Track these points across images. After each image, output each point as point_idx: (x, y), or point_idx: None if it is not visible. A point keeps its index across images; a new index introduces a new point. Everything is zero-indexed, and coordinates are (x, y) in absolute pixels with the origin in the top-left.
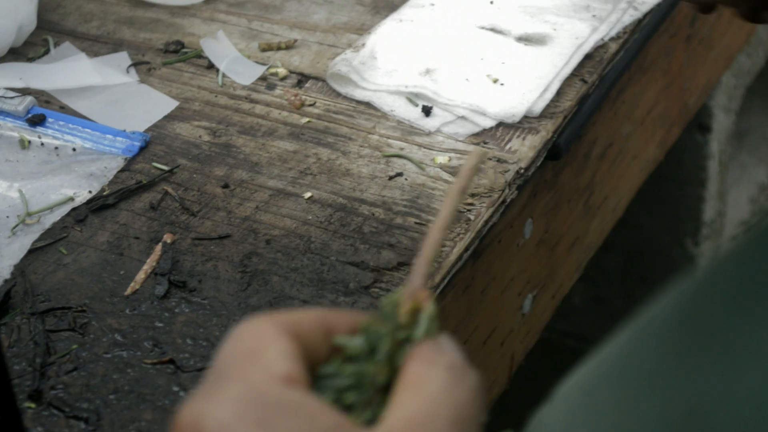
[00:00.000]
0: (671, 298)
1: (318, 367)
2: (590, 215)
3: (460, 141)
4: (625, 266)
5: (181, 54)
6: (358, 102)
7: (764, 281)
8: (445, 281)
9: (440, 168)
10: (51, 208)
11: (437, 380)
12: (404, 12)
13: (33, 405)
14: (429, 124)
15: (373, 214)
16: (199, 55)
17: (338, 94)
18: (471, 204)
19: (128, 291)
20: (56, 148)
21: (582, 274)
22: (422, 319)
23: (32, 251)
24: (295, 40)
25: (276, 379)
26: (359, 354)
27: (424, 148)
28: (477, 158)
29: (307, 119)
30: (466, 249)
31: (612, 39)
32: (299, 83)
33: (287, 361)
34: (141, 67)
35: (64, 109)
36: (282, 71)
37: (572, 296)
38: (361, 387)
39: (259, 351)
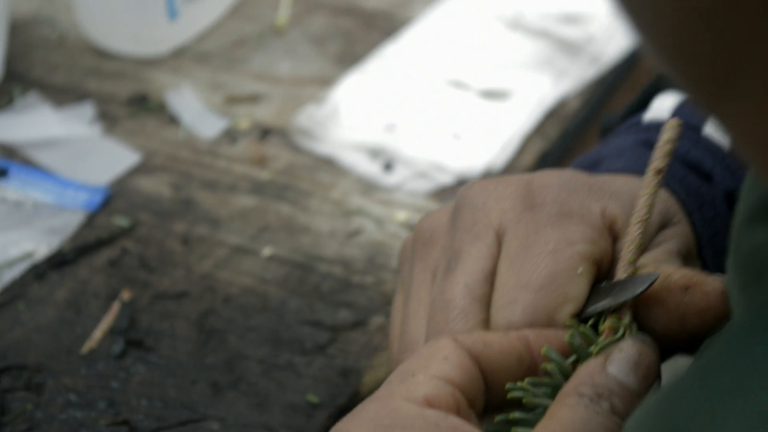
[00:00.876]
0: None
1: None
2: None
3: (420, 198)
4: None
5: (145, 106)
6: (320, 157)
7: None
8: None
9: (399, 225)
10: (10, 264)
11: (570, 411)
12: (368, 66)
13: None
14: (390, 180)
15: (332, 273)
16: (163, 108)
17: (301, 149)
18: None
19: (85, 349)
20: (17, 202)
21: None
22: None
23: None
24: (260, 94)
25: (414, 399)
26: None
27: (385, 204)
28: (672, 132)
29: (268, 174)
30: None
31: (574, 94)
32: (263, 136)
33: (435, 382)
34: (105, 119)
35: (27, 161)
36: (245, 124)
37: None
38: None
39: (416, 371)
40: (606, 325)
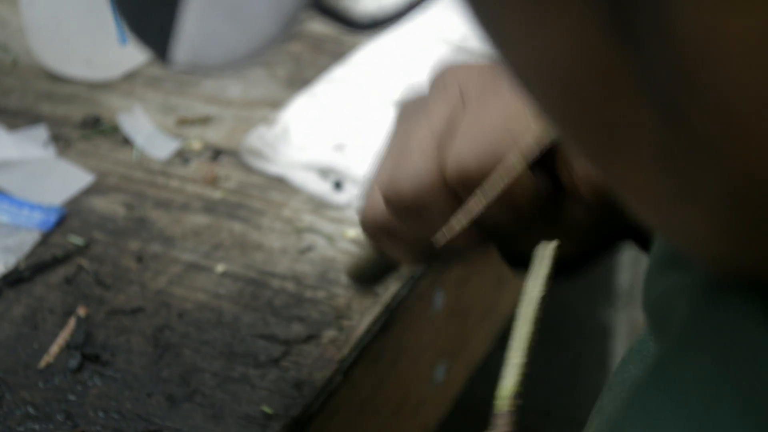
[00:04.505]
0: None
1: None
2: (502, 286)
3: None
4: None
5: (98, 128)
6: (271, 176)
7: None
8: (354, 354)
9: (350, 242)
10: None
11: None
12: (317, 88)
13: None
14: (340, 198)
15: (284, 288)
16: (116, 130)
17: (252, 169)
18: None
19: (42, 364)
20: None
21: (499, 343)
22: None
23: None
24: (211, 116)
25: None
26: None
27: (335, 222)
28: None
29: (221, 194)
30: (375, 322)
31: None
32: (214, 157)
33: None
34: (58, 141)
35: None
36: (197, 146)
37: (490, 363)
38: None
39: None
40: None
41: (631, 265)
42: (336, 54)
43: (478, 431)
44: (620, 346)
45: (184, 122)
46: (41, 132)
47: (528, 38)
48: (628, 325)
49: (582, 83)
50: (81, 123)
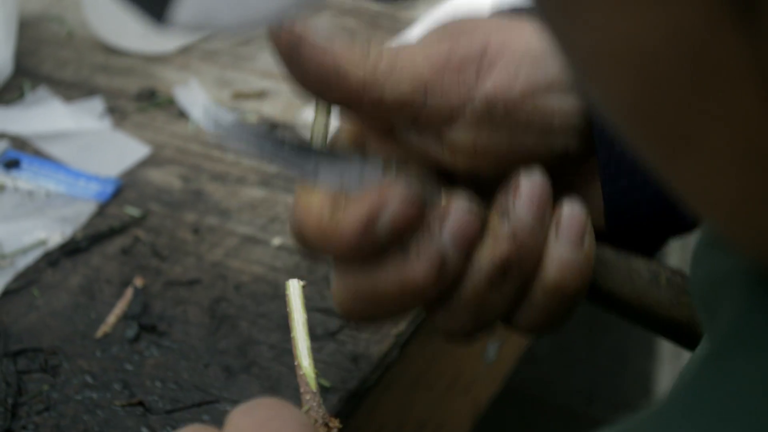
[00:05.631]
0: None
1: None
2: None
3: None
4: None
5: (154, 101)
6: None
7: None
8: (410, 329)
9: None
10: (24, 251)
11: None
12: None
13: None
14: None
15: None
16: (172, 103)
17: None
18: None
19: (99, 334)
20: (30, 192)
21: None
22: None
23: (5, 293)
24: (267, 90)
25: None
26: None
27: None
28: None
29: (276, 167)
30: None
31: None
32: (270, 131)
33: None
34: (114, 113)
35: (38, 153)
36: (253, 119)
37: (536, 347)
38: None
39: None
40: None
41: (680, 249)
42: (391, 30)
43: (524, 412)
44: None
45: (239, 96)
46: (97, 104)
47: (611, 20)
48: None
49: (673, 72)
50: (136, 96)
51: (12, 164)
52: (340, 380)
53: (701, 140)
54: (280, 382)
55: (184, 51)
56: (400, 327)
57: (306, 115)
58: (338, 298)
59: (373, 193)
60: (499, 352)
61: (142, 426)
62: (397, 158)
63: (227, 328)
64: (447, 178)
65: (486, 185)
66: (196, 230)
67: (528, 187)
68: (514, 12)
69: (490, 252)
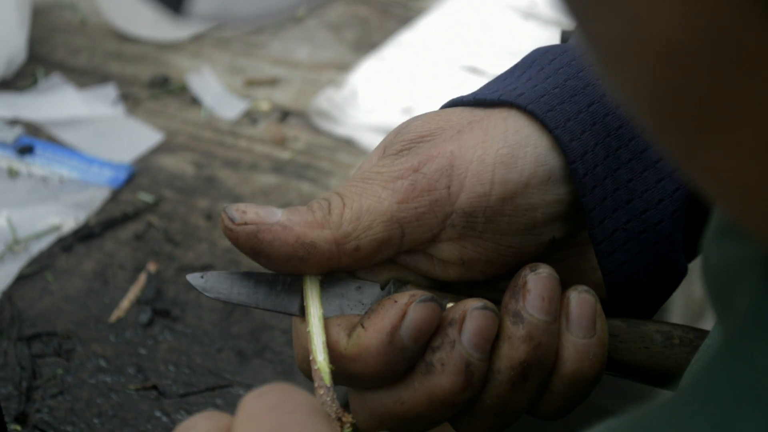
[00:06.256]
0: None
1: None
2: None
3: None
4: None
5: (167, 88)
6: (339, 138)
7: None
8: None
9: None
10: (38, 236)
11: None
12: (385, 51)
13: (19, 427)
14: None
15: None
16: (184, 90)
17: (320, 130)
18: None
19: (113, 318)
20: (44, 177)
21: None
22: None
23: (19, 278)
24: (279, 77)
25: None
26: None
27: None
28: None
29: (289, 154)
30: None
31: None
32: (282, 118)
33: None
34: (127, 99)
35: (52, 139)
36: (265, 107)
37: None
38: None
39: None
40: None
41: None
42: (403, 18)
43: None
44: (675, 321)
45: (252, 83)
46: (110, 91)
47: (639, 9)
48: (684, 299)
49: (700, 59)
50: (149, 82)
51: (26, 150)
52: None
53: (726, 127)
54: (293, 366)
55: (197, 38)
56: None
57: (318, 102)
58: (364, 421)
59: (387, 305)
60: None
61: (156, 409)
62: (391, 277)
63: (240, 313)
64: (443, 287)
65: (483, 286)
66: (208, 216)
67: (536, 285)
68: (464, 103)
69: (508, 355)
